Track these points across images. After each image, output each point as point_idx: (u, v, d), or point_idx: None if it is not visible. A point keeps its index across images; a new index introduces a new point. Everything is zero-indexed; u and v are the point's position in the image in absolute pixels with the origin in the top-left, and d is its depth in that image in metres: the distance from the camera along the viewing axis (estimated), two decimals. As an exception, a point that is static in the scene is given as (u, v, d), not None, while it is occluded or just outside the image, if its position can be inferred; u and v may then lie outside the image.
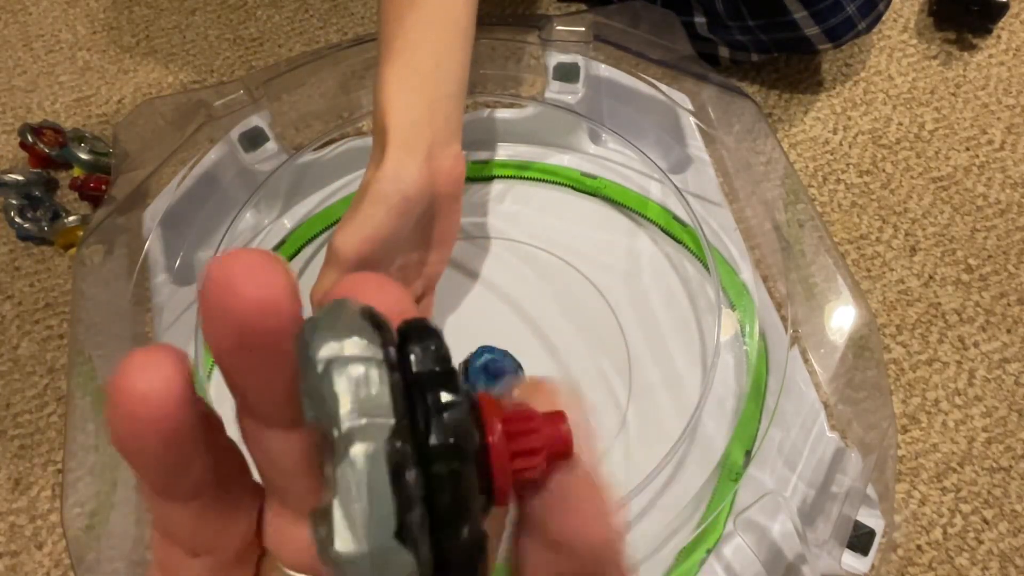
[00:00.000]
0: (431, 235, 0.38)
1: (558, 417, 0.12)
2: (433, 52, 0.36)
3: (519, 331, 0.43)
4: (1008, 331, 0.47)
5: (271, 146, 0.47)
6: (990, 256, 0.49)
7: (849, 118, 0.56)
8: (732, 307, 0.43)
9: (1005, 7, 0.58)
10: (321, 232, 0.47)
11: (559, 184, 0.48)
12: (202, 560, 0.13)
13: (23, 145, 0.54)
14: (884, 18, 0.61)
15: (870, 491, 0.35)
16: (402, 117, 0.36)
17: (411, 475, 0.10)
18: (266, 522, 0.14)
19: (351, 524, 0.10)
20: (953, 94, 0.57)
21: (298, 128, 0.50)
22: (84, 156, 0.54)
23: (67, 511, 0.35)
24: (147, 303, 0.43)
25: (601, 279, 0.44)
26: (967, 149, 0.54)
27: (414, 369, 0.11)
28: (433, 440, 0.11)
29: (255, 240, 0.47)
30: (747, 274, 0.43)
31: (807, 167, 0.54)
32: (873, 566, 0.34)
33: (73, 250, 0.51)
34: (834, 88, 0.57)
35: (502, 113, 0.49)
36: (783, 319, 0.41)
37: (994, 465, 0.42)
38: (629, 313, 0.43)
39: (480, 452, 0.11)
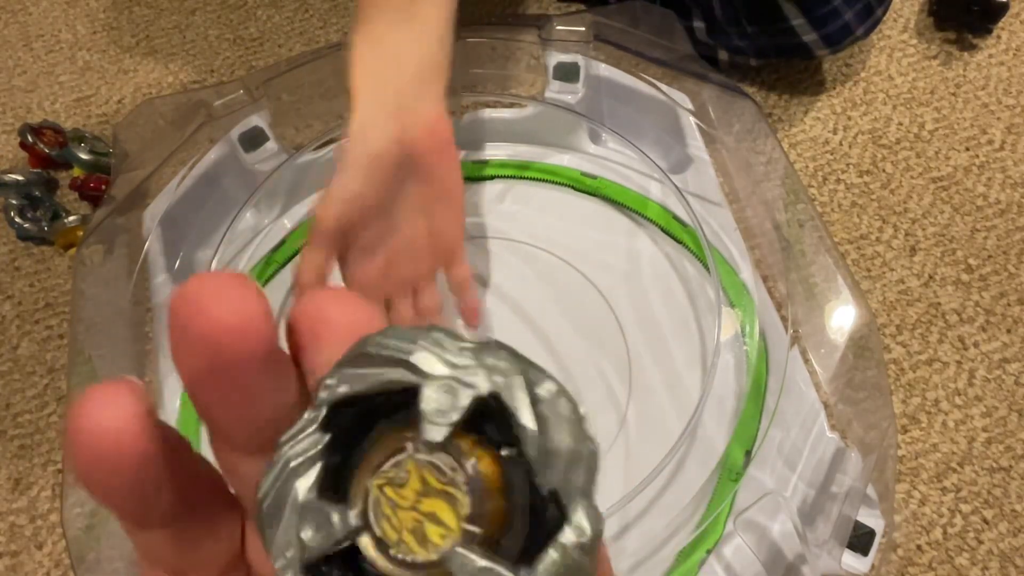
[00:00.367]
0: (430, 197, 0.37)
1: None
2: (402, 9, 0.35)
3: (519, 331, 0.43)
4: (1008, 331, 0.47)
5: (271, 146, 0.47)
6: (990, 256, 0.49)
7: (849, 118, 0.56)
8: (732, 307, 0.43)
9: (1005, 7, 0.58)
10: (321, 232, 0.47)
11: (559, 184, 0.48)
12: None
13: (23, 145, 0.54)
14: (883, 20, 0.61)
15: (870, 491, 0.35)
16: (366, 75, 0.34)
17: None
18: (248, 539, 0.14)
19: None
20: (953, 94, 0.57)
21: (298, 128, 0.50)
22: (84, 156, 0.54)
23: (67, 511, 0.35)
24: (147, 303, 0.43)
25: (601, 279, 0.44)
26: (967, 149, 0.54)
27: None
28: None
29: (255, 240, 0.47)
30: (747, 274, 0.43)
31: (807, 167, 0.54)
32: (873, 566, 0.34)
33: (73, 250, 0.51)
34: (834, 88, 0.57)
35: (502, 113, 0.49)
36: (783, 319, 0.41)
37: (994, 465, 0.42)
38: (629, 313, 0.43)
39: None
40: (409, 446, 0.12)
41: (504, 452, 0.12)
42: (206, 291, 0.11)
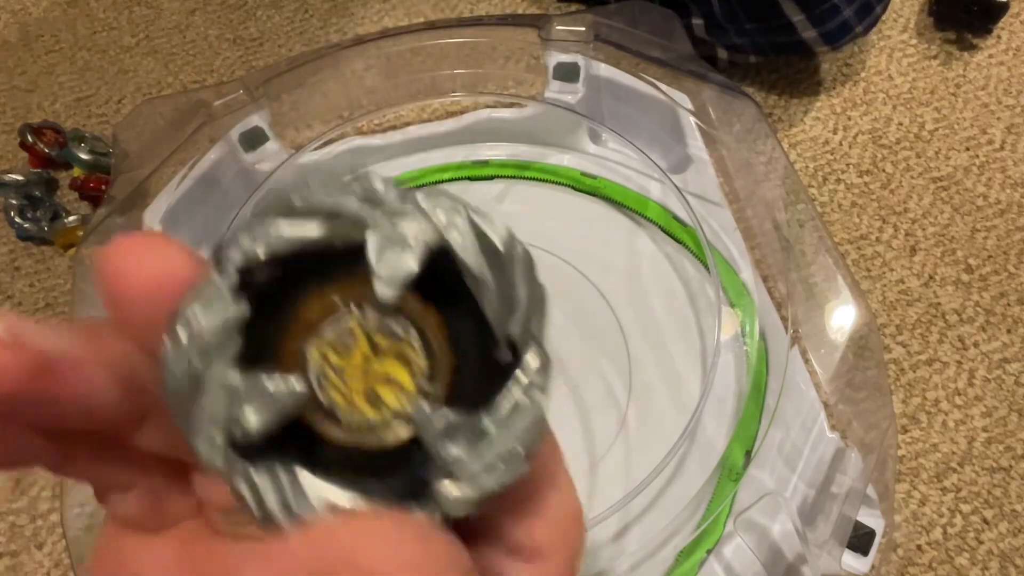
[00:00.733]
0: None
1: None
2: None
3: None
4: (1008, 331, 0.47)
5: (271, 146, 0.47)
6: (990, 256, 0.49)
7: (849, 118, 0.56)
8: (732, 307, 0.43)
9: (1005, 7, 0.58)
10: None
11: (559, 184, 0.48)
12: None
13: (23, 145, 0.54)
14: (883, 19, 0.61)
15: (870, 491, 0.35)
16: None
17: None
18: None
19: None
20: (953, 94, 0.57)
21: (298, 128, 0.50)
22: (84, 156, 0.54)
23: (67, 511, 0.35)
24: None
25: (601, 279, 0.44)
26: (967, 149, 0.54)
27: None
28: None
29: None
30: (747, 274, 0.43)
31: (807, 167, 0.54)
32: (873, 566, 0.34)
33: (73, 250, 0.51)
34: (834, 88, 0.57)
35: (502, 113, 0.49)
36: (783, 319, 0.41)
37: (994, 465, 0.42)
38: (629, 313, 0.43)
39: None
40: (353, 308, 0.11)
41: (449, 306, 0.11)
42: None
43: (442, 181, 0.49)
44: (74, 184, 0.53)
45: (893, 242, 0.50)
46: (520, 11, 0.63)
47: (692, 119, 0.47)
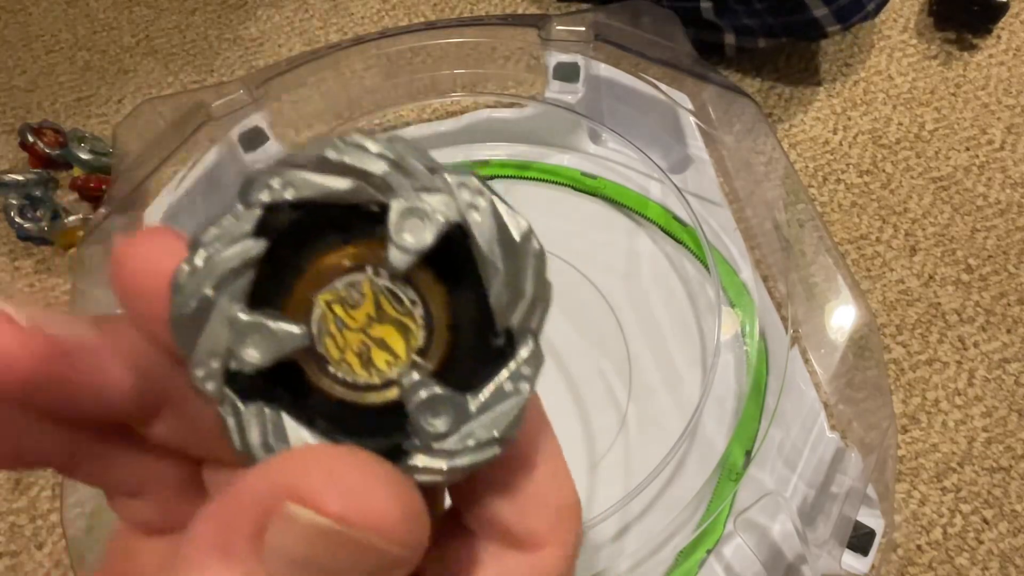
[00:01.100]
0: None
1: None
2: None
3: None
4: (1008, 331, 0.47)
5: (271, 146, 0.47)
6: (990, 256, 0.49)
7: (849, 118, 0.56)
8: (732, 307, 0.43)
9: (1005, 7, 0.58)
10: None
11: (559, 184, 0.48)
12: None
13: (23, 145, 0.54)
14: (883, 19, 0.61)
15: (870, 491, 0.35)
16: None
17: None
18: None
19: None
20: (953, 94, 0.57)
21: (298, 128, 0.50)
22: (84, 156, 0.54)
23: (67, 511, 0.35)
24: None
25: (601, 279, 0.44)
26: (967, 149, 0.54)
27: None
28: None
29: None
30: (747, 274, 0.43)
31: (807, 167, 0.54)
32: (873, 566, 0.34)
33: (73, 250, 0.51)
34: (834, 88, 0.57)
35: (502, 113, 0.49)
36: (783, 319, 0.41)
37: (994, 465, 0.42)
38: (629, 313, 0.43)
39: None
40: (369, 268, 0.11)
41: (457, 286, 0.11)
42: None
43: (442, 181, 0.49)
44: (74, 184, 0.53)
45: (893, 242, 0.50)
46: (520, 11, 0.63)
47: (692, 119, 0.47)
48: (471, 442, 0.11)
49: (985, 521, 0.41)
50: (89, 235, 0.44)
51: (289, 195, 0.11)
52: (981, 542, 0.40)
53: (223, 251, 0.11)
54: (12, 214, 0.51)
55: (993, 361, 0.46)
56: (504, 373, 0.11)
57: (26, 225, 0.51)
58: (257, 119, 0.47)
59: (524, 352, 0.11)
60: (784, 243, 0.42)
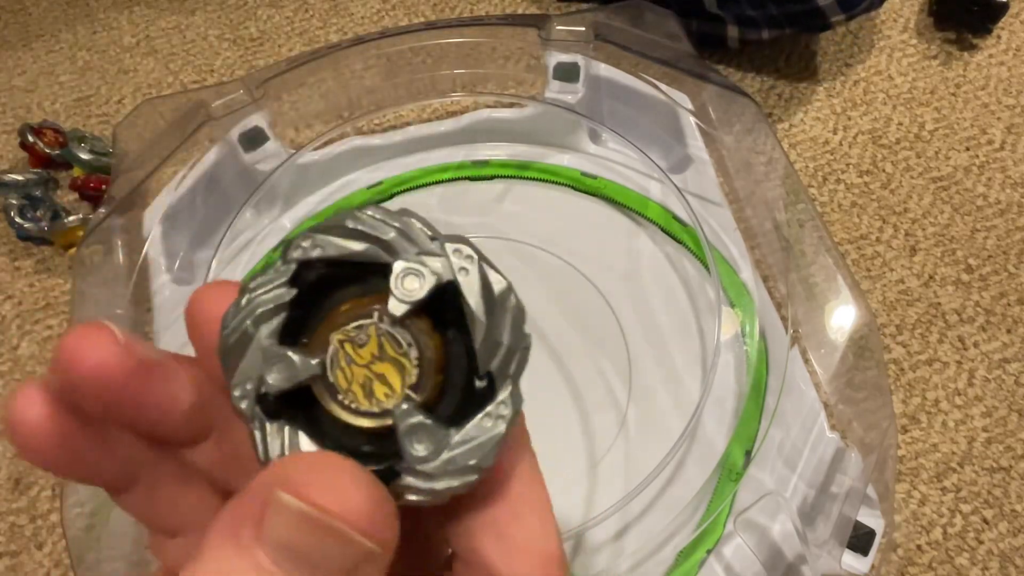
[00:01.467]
0: None
1: None
2: None
3: (519, 331, 0.43)
4: (1008, 331, 0.47)
5: (271, 146, 0.47)
6: (990, 256, 0.49)
7: (849, 118, 0.56)
8: (732, 307, 0.43)
9: (1005, 7, 0.58)
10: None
11: (559, 184, 0.48)
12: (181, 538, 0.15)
13: (23, 145, 0.54)
14: (883, 19, 0.61)
15: (870, 491, 0.35)
16: None
17: None
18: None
19: None
20: (953, 94, 0.57)
21: (298, 128, 0.50)
22: (84, 156, 0.54)
23: (67, 511, 0.35)
24: (147, 303, 0.43)
25: (601, 279, 0.44)
26: (967, 149, 0.54)
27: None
28: None
29: (255, 240, 0.47)
30: (747, 274, 0.43)
31: (807, 167, 0.54)
32: (873, 566, 0.34)
33: (73, 250, 0.51)
34: (834, 88, 0.57)
35: (502, 113, 0.49)
36: (783, 319, 0.41)
37: (994, 465, 0.42)
38: (629, 313, 0.43)
39: None
40: (375, 314, 0.13)
41: (450, 335, 0.14)
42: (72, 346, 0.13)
43: (442, 181, 0.49)
44: (74, 184, 0.53)
45: (893, 242, 0.50)
46: (520, 11, 0.63)
47: (692, 119, 0.47)
48: (451, 467, 0.13)
49: (985, 521, 0.41)
50: (89, 235, 0.44)
51: (316, 254, 0.13)
52: (981, 542, 0.40)
53: (263, 296, 0.13)
54: (12, 214, 0.51)
55: (993, 361, 0.46)
56: (484, 411, 0.13)
57: (26, 225, 0.51)
58: (257, 119, 0.47)
59: (503, 394, 0.13)
60: (784, 243, 0.42)
